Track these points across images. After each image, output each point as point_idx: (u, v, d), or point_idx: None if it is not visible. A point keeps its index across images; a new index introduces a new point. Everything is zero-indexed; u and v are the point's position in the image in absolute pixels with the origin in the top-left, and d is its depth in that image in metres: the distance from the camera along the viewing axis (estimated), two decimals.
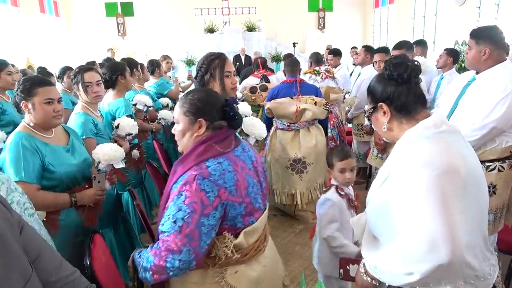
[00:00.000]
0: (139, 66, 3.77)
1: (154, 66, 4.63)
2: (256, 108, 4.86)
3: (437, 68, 4.32)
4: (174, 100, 4.77)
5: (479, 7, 8.86)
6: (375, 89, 1.39)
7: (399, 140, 1.34)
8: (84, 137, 2.32)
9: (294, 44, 11.39)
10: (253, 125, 2.19)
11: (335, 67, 5.20)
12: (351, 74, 5.66)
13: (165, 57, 5.32)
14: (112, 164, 2.16)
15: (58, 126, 2.04)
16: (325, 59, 8.01)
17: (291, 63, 3.80)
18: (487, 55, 2.16)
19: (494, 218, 2.31)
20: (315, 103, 3.54)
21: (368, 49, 4.56)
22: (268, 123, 3.67)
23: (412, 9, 11.66)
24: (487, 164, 2.25)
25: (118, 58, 10.13)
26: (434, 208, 1.14)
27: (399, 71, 1.31)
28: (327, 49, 11.24)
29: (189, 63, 11.12)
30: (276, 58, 11.60)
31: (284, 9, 13.76)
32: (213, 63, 1.97)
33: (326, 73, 4.56)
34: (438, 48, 10.50)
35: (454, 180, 1.16)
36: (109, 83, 2.98)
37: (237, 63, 9.93)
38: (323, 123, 3.80)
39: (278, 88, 3.75)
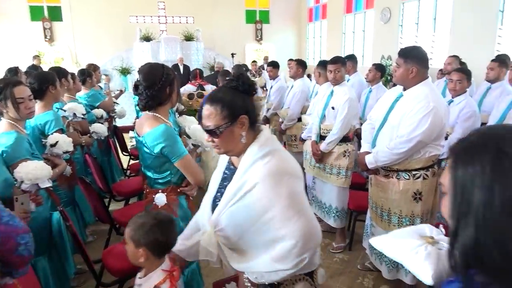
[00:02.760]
0: (69, 75, 3.53)
1: (85, 75, 4.37)
2: (193, 112, 4.93)
3: (367, 81, 4.61)
4: (108, 112, 4.54)
5: (401, 25, 9.65)
6: (234, 102, 1.40)
7: (246, 155, 1.42)
8: (19, 159, 2.05)
9: (232, 54, 11.48)
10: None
11: (274, 79, 5.31)
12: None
13: (95, 67, 5.05)
14: (37, 184, 1.97)
15: None
16: (265, 70, 8.21)
17: (225, 74, 4.50)
18: (414, 73, 2.34)
19: (421, 222, 2.48)
20: None
21: (299, 62, 4.74)
22: None
23: (342, 24, 12.38)
24: (414, 172, 2.43)
25: (44, 65, 9.48)
26: (294, 208, 1.33)
27: (249, 84, 1.43)
28: (264, 60, 11.52)
29: (124, 72, 10.68)
30: (214, 69, 11.57)
31: (221, 20, 13.86)
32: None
33: None
34: (367, 62, 11.24)
35: (299, 182, 1.41)
36: (37, 94, 2.73)
37: (175, 73, 9.76)
38: None
39: None
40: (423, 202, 2.46)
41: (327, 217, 3.44)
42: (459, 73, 3.20)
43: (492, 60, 4.03)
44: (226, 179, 1.52)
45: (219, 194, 1.52)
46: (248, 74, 8.74)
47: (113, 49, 11.95)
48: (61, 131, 2.66)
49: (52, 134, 2.53)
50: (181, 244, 1.60)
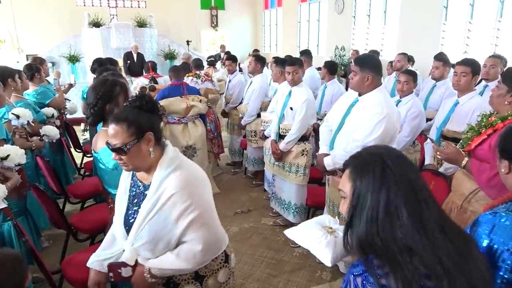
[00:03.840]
0: (16, 75, 3.30)
1: (33, 70, 4.11)
2: None
3: (321, 79, 4.75)
4: (59, 110, 4.33)
5: (354, 17, 9.93)
6: (139, 120, 1.47)
7: (158, 170, 1.51)
8: None
9: (187, 42, 11.26)
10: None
11: (232, 73, 5.29)
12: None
13: (41, 60, 4.76)
14: None
15: None
16: (222, 60, 8.13)
17: (176, 70, 4.52)
18: (370, 81, 2.46)
19: None
20: (200, 101, 4.33)
21: (258, 58, 4.76)
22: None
23: (297, 13, 12.49)
24: None
25: None
26: (204, 216, 1.51)
27: (152, 103, 1.53)
28: (221, 48, 11.38)
29: (73, 59, 10.10)
30: (169, 56, 11.29)
31: (175, 5, 13.46)
32: (115, 91, 1.86)
33: (205, 77, 5.25)
34: (322, 52, 11.48)
35: (208, 188, 1.58)
36: None
37: (128, 61, 9.41)
38: (203, 117, 4.54)
39: (167, 90, 4.34)
40: None
41: (287, 213, 3.56)
42: (406, 75, 3.38)
43: (437, 60, 4.28)
44: (136, 196, 1.59)
45: (131, 212, 1.59)
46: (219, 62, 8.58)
47: (60, 34, 11.24)
48: (4, 141, 2.48)
49: None
50: (99, 255, 1.71)
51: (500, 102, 2.08)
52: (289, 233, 1.44)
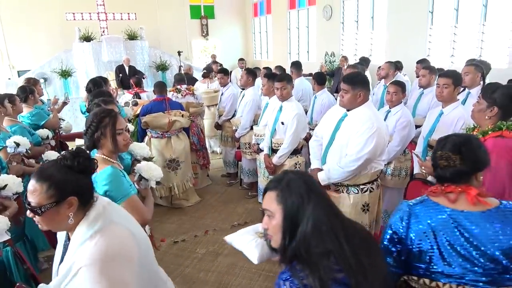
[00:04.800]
0: (5, 100, 3.31)
1: (27, 92, 4.14)
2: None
3: (313, 90, 4.85)
4: (54, 130, 4.37)
5: (343, 23, 10.06)
6: (65, 182, 1.32)
7: (75, 235, 1.34)
8: None
9: (179, 52, 11.30)
10: (150, 168, 2.18)
11: (225, 86, 5.36)
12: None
13: (35, 81, 4.80)
14: None
15: None
16: (208, 70, 8.20)
17: (160, 85, 4.71)
18: (362, 97, 2.54)
19: (369, 230, 2.73)
20: (182, 116, 4.58)
21: (249, 72, 4.86)
22: (143, 134, 4.73)
23: (287, 20, 12.62)
24: (362, 186, 2.65)
25: None
26: None
27: (86, 165, 1.38)
28: (212, 57, 11.45)
29: (65, 74, 10.11)
30: (161, 67, 11.34)
31: (166, 16, 13.55)
32: (103, 121, 1.92)
33: (187, 91, 5.39)
34: (312, 58, 11.61)
35: (129, 266, 1.32)
36: None
37: (121, 75, 9.45)
38: (186, 130, 4.85)
39: (150, 106, 4.56)
40: (370, 212, 2.70)
41: None
42: (394, 86, 3.47)
43: (423, 68, 4.40)
44: (66, 249, 1.44)
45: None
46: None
47: (51, 49, 11.26)
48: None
49: None
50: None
51: (481, 116, 2.17)
52: (228, 238, 1.53)
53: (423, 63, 5.35)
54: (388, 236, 1.53)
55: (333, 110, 2.86)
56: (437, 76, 3.15)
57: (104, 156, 1.95)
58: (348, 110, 2.65)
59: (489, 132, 2.06)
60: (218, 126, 5.49)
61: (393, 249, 1.51)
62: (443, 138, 1.53)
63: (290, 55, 12.83)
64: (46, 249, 3.46)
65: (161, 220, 4.42)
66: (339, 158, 2.63)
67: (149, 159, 2.95)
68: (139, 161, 2.79)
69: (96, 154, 1.99)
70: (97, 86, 4.13)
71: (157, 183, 2.25)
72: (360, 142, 2.49)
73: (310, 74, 10.93)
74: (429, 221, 1.44)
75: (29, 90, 4.18)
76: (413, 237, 1.46)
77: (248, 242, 1.44)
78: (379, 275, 1.18)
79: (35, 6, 11.88)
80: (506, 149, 2.00)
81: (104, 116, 1.92)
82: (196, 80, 7.29)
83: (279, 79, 3.37)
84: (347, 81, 2.57)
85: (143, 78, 9.79)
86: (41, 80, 9.84)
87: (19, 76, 11.34)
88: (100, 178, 1.87)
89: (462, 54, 7.11)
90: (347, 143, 2.57)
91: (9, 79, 11.23)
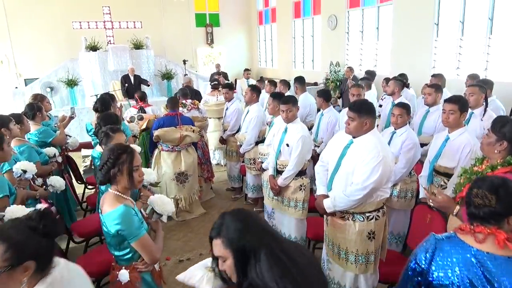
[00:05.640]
0: (11, 123, 3.32)
1: (35, 110, 4.18)
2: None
3: (317, 108, 4.86)
4: (61, 147, 4.41)
5: (348, 33, 10.07)
6: (24, 245, 1.24)
7: None
8: None
9: (184, 61, 11.37)
10: (163, 203, 2.18)
11: (229, 100, 5.38)
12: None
13: (43, 97, 4.85)
14: None
15: None
16: (217, 82, 8.22)
17: (172, 101, 4.86)
18: (368, 125, 2.55)
19: (375, 258, 2.72)
20: (193, 131, 4.72)
21: (253, 88, 4.88)
22: (153, 147, 4.88)
23: (291, 29, 12.64)
24: (367, 214, 2.64)
25: None
26: None
27: (51, 229, 1.32)
28: (216, 67, 11.48)
29: (71, 84, 10.19)
30: (166, 76, 11.40)
31: (171, 25, 13.64)
32: (120, 158, 1.93)
33: (192, 105, 5.50)
34: (317, 67, 11.61)
35: None
36: None
37: (126, 84, 9.51)
38: (194, 144, 4.97)
39: (163, 120, 4.72)
40: (376, 240, 2.69)
41: None
42: (399, 108, 3.46)
43: (429, 86, 4.39)
44: None
45: None
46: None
47: (57, 58, 11.38)
48: (8, 197, 2.52)
49: None
50: None
51: (490, 150, 2.17)
52: (180, 277, 1.58)
53: (436, 77, 5.33)
54: (412, 266, 1.62)
55: (339, 136, 2.86)
56: (443, 101, 3.14)
57: (118, 193, 1.96)
58: (354, 137, 2.65)
59: (499, 167, 2.06)
60: (222, 141, 5.51)
61: (415, 279, 1.60)
62: (480, 178, 1.58)
63: (295, 64, 12.84)
64: None
65: (167, 237, 4.42)
66: (345, 185, 2.62)
67: (155, 184, 2.98)
68: (145, 187, 2.82)
69: (109, 189, 2.00)
70: (104, 106, 4.16)
71: (169, 218, 2.26)
72: (366, 171, 2.49)
73: (315, 84, 10.99)
74: (453, 259, 1.50)
75: (37, 107, 4.22)
76: (435, 271, 1.53)
77: (199, 278, 1.53)
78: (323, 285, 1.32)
79: (43, 15, 12.01)
80: None
81: (121, 153, 1.94)
82: (198, 92, 7.29)
83: (284, 101, 3.38)
84: (354, 109, 2.57)
85: (148, 86, 9.93)
86: (48, 89, 9.96)
87: (26, 84, 11.46)
88: (112, 217, 1.89)
89: (467, 66, 7.09)
90: (353, 171, 2.57)
91: (16, 87, 11.34)
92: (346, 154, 2.65)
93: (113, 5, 11.27)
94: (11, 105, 9.50)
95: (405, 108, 3.46)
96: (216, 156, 6.84)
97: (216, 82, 6.91)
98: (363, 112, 2.54)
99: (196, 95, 6.74)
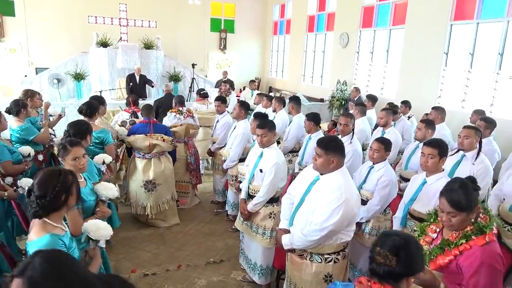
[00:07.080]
0: None
1: (19, 106, 4.17)
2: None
3: (307, 132, 4.75)
4: (44, 145, 4.39)
5: (358, 52, 9.93)
6: None
7: None
8: None
9: (193, 65, 11.37)
10: (98, 228, 2.10)
11: (221, 113, 5.32)
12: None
13: (34, 93, 4.84)
14: None
15: None
16: (220, 87, 8.17)
17: (147, 108, 4.79)
18: (335, 164, 2.44)
19: None
20: (163, 140, 4.65)
21: (242, 104, 4.83)
22: (130, 151, 4.98)
23: (304, 42, 12.56)
24: (326, 256, 2.53)
25: None
26: None
27: None
28: (223, 74, 11.46)
29: (78, 77, 10.28)
30: (174, 78, 11.42)
31: (186, 26, 13.68)
32: (69, 180, 1.89)
33: (187, 113, 5.51)
34: (325, 83, 11.49)
35: None
36: None
37: (131, 83, 9.54)
38: (172, 153, 4.93)
39: (137, 127, 4.74)
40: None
41: (252, 273, 3.51)
42: (378, 143, 3.33)
43: (421, 121, 4.26)
44: None
45: None
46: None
47: (70, 50, 11.51)
48: None
49: None
50: None
51: (463, 226, 2.03)
52: None
53: (436, 109, 5.19)
54: None
55: (307, 170, 2.75)
56: (423, 144, 3.01)
57: (47, 220, 1.83)
58: (321, 174, 2.55)
59: (473, 237, 1.95)
60: (210, 153, 5.44)
61: None
62: (386, 234, 1.62)
63: (304, 77, 12.75)
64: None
65: (138, 247, 4.36)
66: (305, 223, 2.52)
67: (115, 200, 2.90)
68: (104, 202, 2.75)
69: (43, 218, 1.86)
70: (90, 110, 4.10)
71: (107, 241, 2.17)
72: (325, 212, 2.38)
73: (322, 100, 10.86)
74: None
75: (22, 104, 4.21)
76: None
77: None
78: None
79: (60, 7, 12.19)
80: (497, 258, 1.92)
81: (69, 175, 1.88)
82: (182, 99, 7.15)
83: (260, 126, 3.29)
84: (321, 145, 2.47)
85: (152, 87, 9.93)
86: (55, 81, 10.05)
87: (36, 73, 11.61)
88: (36, 246, 1.77)
89: (473, 99, 6.90)
90: (314, 210, 2.46)
91: (26, 76, 11.50)
92: (311, 191, 2.55)
93: (130, 2, 11.37)
94: (17, 93, 9.62)
95: (383, 143, 3.33)
96: (205, 165, 6.78)
97: (205, 91, 6.94)
98: (330, 150, 2.44)
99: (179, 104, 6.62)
